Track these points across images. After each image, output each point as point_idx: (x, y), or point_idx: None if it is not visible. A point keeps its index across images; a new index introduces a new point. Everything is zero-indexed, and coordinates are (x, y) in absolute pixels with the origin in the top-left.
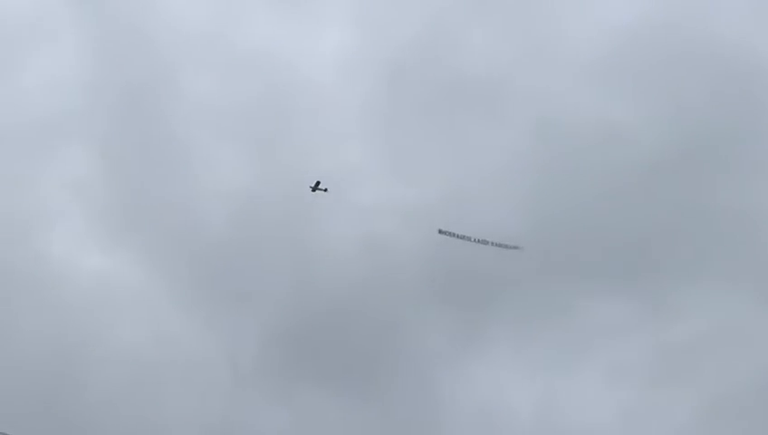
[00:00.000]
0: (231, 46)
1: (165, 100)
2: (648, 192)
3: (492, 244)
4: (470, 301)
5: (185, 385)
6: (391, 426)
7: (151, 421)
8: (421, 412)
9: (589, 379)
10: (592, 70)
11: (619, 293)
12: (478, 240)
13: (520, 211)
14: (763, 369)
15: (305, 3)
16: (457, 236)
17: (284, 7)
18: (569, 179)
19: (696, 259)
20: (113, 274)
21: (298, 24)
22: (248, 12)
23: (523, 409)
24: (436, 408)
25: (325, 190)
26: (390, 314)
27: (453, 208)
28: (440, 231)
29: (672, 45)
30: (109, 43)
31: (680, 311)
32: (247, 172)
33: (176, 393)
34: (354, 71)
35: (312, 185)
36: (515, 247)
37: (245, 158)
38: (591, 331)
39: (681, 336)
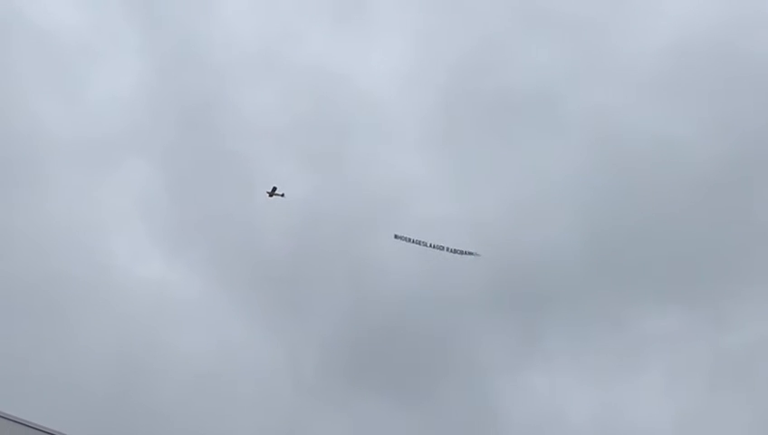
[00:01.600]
0: (289, 62)
1: (224, 114)
2: (704, 205)
3: (448, 250)
4: (527, 311)
5: (247, 394)
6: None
7: (213, 430)
8: (479, 421)
9: (646, 387)
10: (648, 85)
11: (675, 302)
12: (434, 246)
13: (577, 224)
14: None
15: (362, 19)
16: (413, 242)
17: (341, 23)
18: (625, 192)
19: (751, 268)
20: (175, 285)
21: (355, 40)
22: (305, 28)
23: (580, 417)
24: (494, 417)
25: (282, 195)
26: (448, 324)
27: (510, 221)
28: (396, 236)
29: (728, 62)
30: (169, 60)
31: (736, 319)
32: (306, 186)
33: (237, 402)
34: (411, 86)
35: (269, 190)
36: (471, 253)
37: (304, 172)
38: (648, 339)
39: (738, 344)
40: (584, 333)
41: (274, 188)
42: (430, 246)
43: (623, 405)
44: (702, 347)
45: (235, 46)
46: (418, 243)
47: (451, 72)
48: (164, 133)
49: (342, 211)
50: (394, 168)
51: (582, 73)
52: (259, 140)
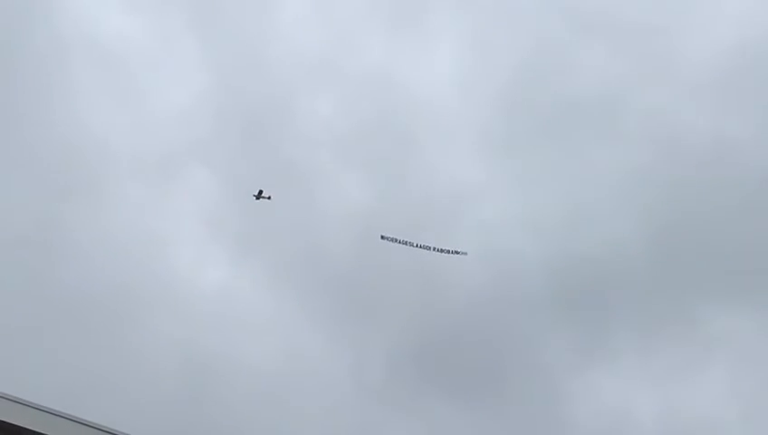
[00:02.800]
0: (349, 70)
1: (286, 123)
2: (765, 205)
3: (434, 249)
4: (592, 311)
5: (314, 401)
6: None
7: None
8: (546, 422)
9: (714, 386)
10: (707, 86)
11: (743, 300)
12: (421, 245)
13: (640, 224)
14: None
15: (420, 26)
16: (400, 242)
17: (400, 30)
18: (688, 194)
19: None
20: (240, 293)
21: (414, 47)
22: (364, 36)
23: (647, 417)
24: (563, 418)
25: (268, 198)
26: (515, 326)
27: (572, 223)
28: (382, 237)
29: None
30: (229, 70)
31: None
32: (368, 193)
33: (304, 409)
34: (470, 92)
35: (255, 194)
36: (458, 252)
37: (366, 179)
38: (716, 337)
39: None
40: (651, 333)
41: (260, 192)
42: (417, 245)
43: (691, 405)
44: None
45: (296, 55)
46: (405, 243)
47: (509, 77)
48: (226, 143)
49: (404, 217)
50: (454, 173)
51: (640, 76)
52: (321, 148)
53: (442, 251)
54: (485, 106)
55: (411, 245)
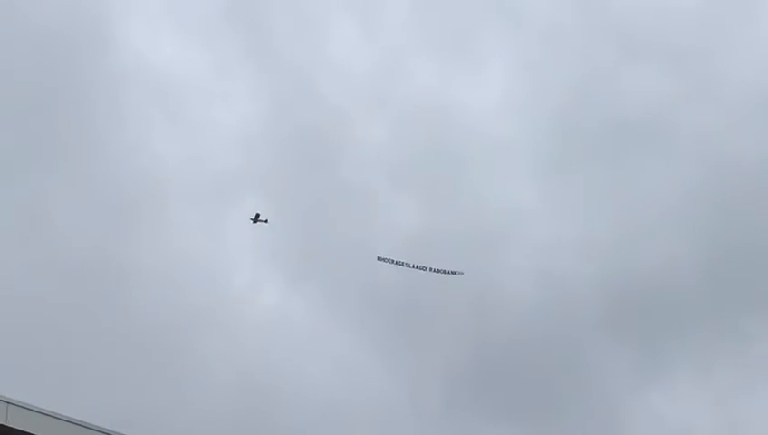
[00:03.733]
0: (401, 95)
1: (339, 149)
2: None
3: (431, 270)
4: (648, 331)
5: (368, 424)
6: None
7: None
8: None
9: None
10: (755, 106)
11: None
12: (417, 266)
13: (694, 244)
14: None
15: (471, 50)
16: (396, 263)
17: (451, 55)
18: (739, 212)
19: None
20: (295, 315)
21: (464, 72)
22: (416, 61)
23: None
24: None
25: (266, 221)
26: (570, 347)
27: (625, 244)
28: (379, 258)
29: None
30: (282, 97)
31: None
32: (422, 216)
33: (359, 432)
34: (521, 116)
35: (253, 217)
36: (455, 273)
37: (420, 202)
38: None
39: None
40: (707, 351)
41: (257, 215)
42: (413, 266)
43: (752, 421)
44: None
45: (348, 82)
46: (402, 264)
47: (560, 100)
48: (281, 169)
49: (458, 239)
50: (507, 196)
51: (690, 97)
52: (375, 173)
53: (439, 271)
54: (537, 129)
55: (408, 266)
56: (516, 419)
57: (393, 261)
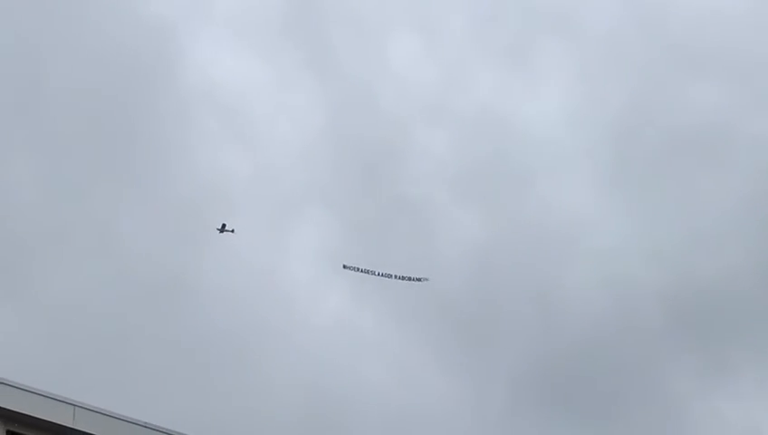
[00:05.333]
0: (460, 107)
1: (400, 161)
2: None
3: (396, 277)
4: (713, 337)
5: (434, 429)
6: None
7: None
8: None
9: None
10: None
11: None
12: (382, 274)
13: (754, 251)
14: None
15: (529, 62)
16: (361, 271)
17: (509, 67)
18: None
19: None
20: (361, 324)
21: (522, 84)
22: (474, 73)
23: None
24: None
25: (232, 231)
26: (634, 352)
27: (685, 251)
28: (344, 266)
29: None
30: (344, 109)
31: None
32: (483, 226)
33: None
34: (579, 126)
35: (219, 227)
36: (419, 279)
37: (480, 212)
38: None
39: None
40: None
41: (224, 225)
42: (378, 274)
43: None
44: None
45: (408, 95)
46: (367, 272)
47: (618, 111)
48: (344, 182)
49: (520, 248)
50: (568, 205)
51: (747, 106)
52: (436, 184)
53: (403, 278)
54: (596, 139)
55: (373, 273)
56: (580, 423)
57: (359, 269)
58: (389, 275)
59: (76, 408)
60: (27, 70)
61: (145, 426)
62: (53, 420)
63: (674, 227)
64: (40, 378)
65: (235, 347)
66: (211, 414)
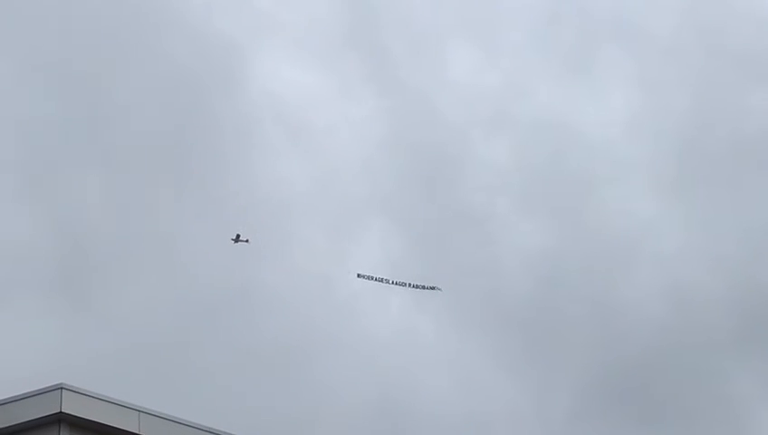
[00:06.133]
0: (521, 115)
1: (460, 170)
2: None
3: (410, 285)
4: None
5: None
6: None
7: None
8: None
9: None
10: None
11: None
12: (396, 282)
13: None
14: None
15: (589, 69)
16: (375, 279)
17: (569, 74)
18: None
19: None
20: (422, 332)
21: (581, 91)
22: (534, 81)
23: None
24: None
25: (247, 241)
26: (698, 359)
27: (749, 258)
28: (358, 275)
29: None
30: (403, 119)
31: None
32: (544, 234)
33: None
34: (639, 133)
35: (234, 238)
36: (433, 288)
37: (542, 221)
38: None
39: None
40: None
41: (238, 236)
42: (392, 282)
43: None
44: None
45: (469, 103)
46: (381, 280)
47: (680, 119)
48: (403, 190)
49: (582, 255)
50: (630, 211)
51: None
52: (495, 192)
53: (417, 287)
54: (658, 147)
55: (387, 282)
56: (643, 430)
57: (373, 277)
58: (404, 284)
59: (141, 413)
60: (94, 87)
61: (209, 431)
62: (119, 426)
63: (736, 233)
64: (106, 385)
65: (297, 357)
66: (273, 423)
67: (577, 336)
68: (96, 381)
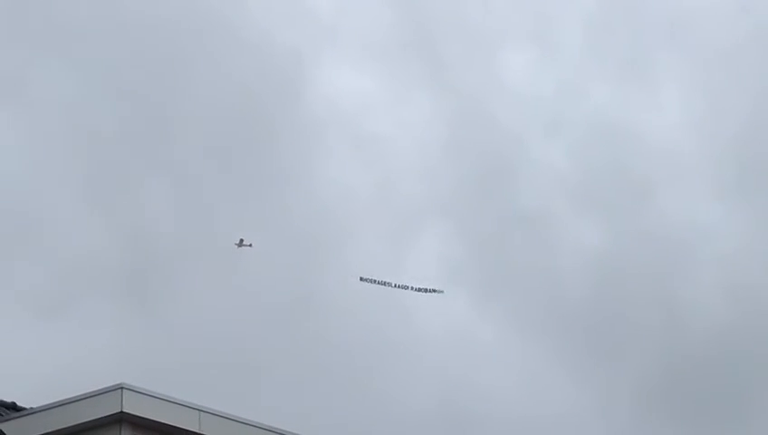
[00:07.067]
0: (577, 118)
1: (517, 173)
2: None
3: (412, 288)
4: None
5: None
6: None
7: None
8: None
9: None
10: None
11: None
12: (398, 286)
13: None
14: None
15: (645, 72)
16: (379, 283)
17: (626, 75)
18: None
19: None
20: (483, 335)
21: (641, 91)
22: (590, 82)
23: None
24: None
25: (250, 245)
26: (762, 359)
27: None
28: (361, 279)
29: None
30: (460, 124)
31: None
32: (604, 237)
33: None
34: (699, 135)
35: (237, 242)
36: (435, 291)
37: (602, 223)
38: None
39: None
40: None
41: (242, 240)
42: (395, 286)
43: None
44: None
45: (525, 107)
46: (384, 283)
47: (737, 121)
48: (462, 195)
49: (642, 257)
50: (691, 214)
51: None
52: (553, 195)
53: (420, 290)
54: (717, 147)
55: (390, 285)
56: (709, 432)
57: (375, 281)
58: (406, 287)
59: (201, 413)
60: (159, 99)
61: (270, 430)
62: (179, 425)
63: None
64: (167, 387)
65: (358, 361)
66: (333, 424)
67: (639, 338)
68: (157, 383)
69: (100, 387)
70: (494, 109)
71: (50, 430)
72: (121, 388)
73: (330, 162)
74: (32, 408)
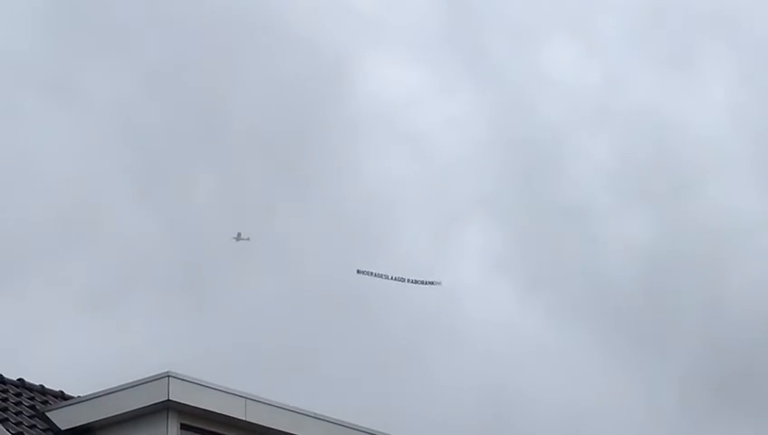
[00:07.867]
0: (621, 110)
1: (560, 165)
2: None
3: (408, 281)
4: None
5: (605, 428)
6: None
7: None
8: None
9: None
10: None
11: None
12: (395, 278)
13: None
14: None
15: (690, 63)
16: (375, 275)
17: (670, 68)
18: None
19: None
20: (528, 328)
21: (684, 83)
22: (634, 74)
23: None
24: None
25: (247, 239)
26: None
27: None
28: (358, 271)
29: None
30: (503, 115)
31: None
32: (647, 227)
33: None
34: (744, 125)
35: (235, 236)
36: (432, 283)
37: (645, 214)
38: None
39: None
40: None
41: (239, 234)
42: (391, 278)
43: None
44: None
45: (569, 99)
46: (380, 276)
47: None
48: (507, 188)
49: (687, 248)
50: (733, 205)
51: None
52: (596, 187)
53: (416, 282)
54: (762, 138)
55: (386, 277)
56: (752, 422)
57: (372, 273)
58: (402, 279)
59: (247, 400)
60: (211, 97)
61: (315, 417)
62: (225, 413)
63: None
64: (215, 377)
65: (407, 351)
66: (379, 409)
67: (685, 329)
68: (205, 373)
69: (147, 376)
70: (538, 101)
71: (97, 419)
72: (168, 376)
73: (376, 157)
74: (79, 396)
